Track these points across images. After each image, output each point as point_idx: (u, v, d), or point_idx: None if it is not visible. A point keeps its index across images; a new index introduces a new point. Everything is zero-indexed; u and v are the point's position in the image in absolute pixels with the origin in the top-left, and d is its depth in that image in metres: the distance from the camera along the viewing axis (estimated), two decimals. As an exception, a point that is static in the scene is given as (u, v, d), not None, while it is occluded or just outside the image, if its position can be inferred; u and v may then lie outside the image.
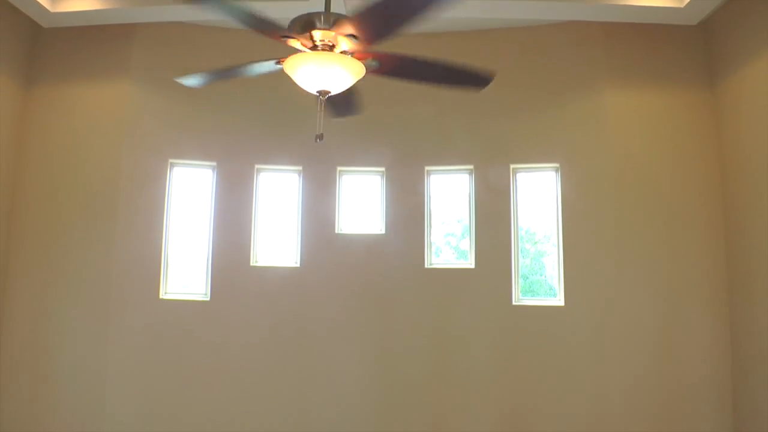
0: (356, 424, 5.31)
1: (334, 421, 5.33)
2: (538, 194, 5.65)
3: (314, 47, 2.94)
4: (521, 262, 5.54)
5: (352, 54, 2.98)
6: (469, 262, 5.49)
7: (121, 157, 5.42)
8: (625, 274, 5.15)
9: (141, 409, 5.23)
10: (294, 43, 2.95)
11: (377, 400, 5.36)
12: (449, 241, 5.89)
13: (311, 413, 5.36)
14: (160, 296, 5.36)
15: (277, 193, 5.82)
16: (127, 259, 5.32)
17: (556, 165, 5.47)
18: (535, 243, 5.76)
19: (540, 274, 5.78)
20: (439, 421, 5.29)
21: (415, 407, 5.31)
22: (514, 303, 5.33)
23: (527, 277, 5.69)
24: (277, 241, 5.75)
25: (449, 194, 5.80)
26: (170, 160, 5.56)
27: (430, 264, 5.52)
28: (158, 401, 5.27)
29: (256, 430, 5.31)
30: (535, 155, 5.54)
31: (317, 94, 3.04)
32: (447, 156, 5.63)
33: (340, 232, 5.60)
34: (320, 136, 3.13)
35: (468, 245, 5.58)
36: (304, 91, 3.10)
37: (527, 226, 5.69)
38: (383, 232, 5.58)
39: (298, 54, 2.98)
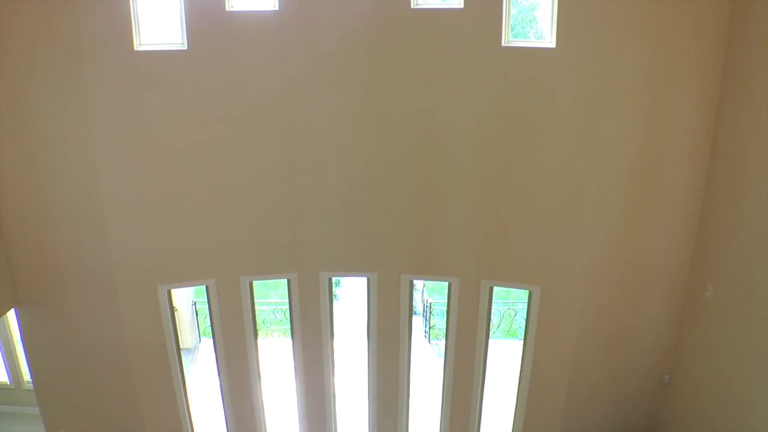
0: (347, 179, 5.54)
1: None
2: None
3: None
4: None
5: None
6: (458, 2, 5.17)
7: None
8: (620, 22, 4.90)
9: (134, 179, 5.35)
10: None
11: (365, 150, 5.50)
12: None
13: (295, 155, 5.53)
14: (135, 48, 5.12)
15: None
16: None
17: None
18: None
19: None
20: (425, 174, 5.50)
21: (402, 154, 5.47)
22: (503, 44, 5.15)
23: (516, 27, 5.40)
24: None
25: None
26: None
27: (416, 4, 5.21)
28: (146, 168, 5.36)
29: (241, 203, 5.54)
30: None
31: None
32: None
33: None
34: None
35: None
36: None
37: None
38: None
39: None
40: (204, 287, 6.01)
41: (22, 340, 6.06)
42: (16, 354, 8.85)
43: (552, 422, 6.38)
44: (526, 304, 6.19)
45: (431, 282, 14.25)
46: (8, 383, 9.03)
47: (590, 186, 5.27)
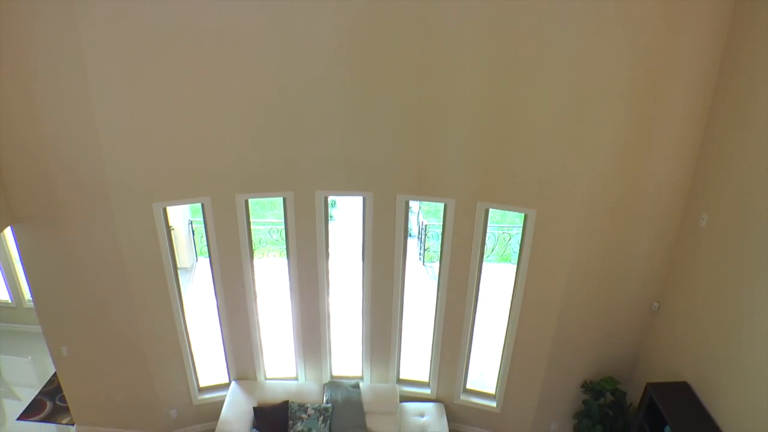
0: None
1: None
2: None
3: None
4: None
5: None
6: None
7: None
8: None
9: (126, 97, 5.22)
10: None
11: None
12: None
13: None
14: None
15: None
16: None
17: None
18: None
19: None
20: (422, 94, 5.39)
21: (400, 72, 5.36)
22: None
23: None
24: None
25: None
26: None
27: None
28: (139, 86, 5.23)
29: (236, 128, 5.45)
30: None
31: None
32: None
33: None
34: None
35: None
36: None
37: None
38: None
39: None
40: (199, 205, 6.00)
41: (20, 258, 6.09)
42: (15, 273, 8.97)
43: (541, 347, 6.51)
44: (520, 229, 6.20)
45: (427, 204, 14.40)
46: (9, 302, 9.20)
47: (590, 110, 5.16)
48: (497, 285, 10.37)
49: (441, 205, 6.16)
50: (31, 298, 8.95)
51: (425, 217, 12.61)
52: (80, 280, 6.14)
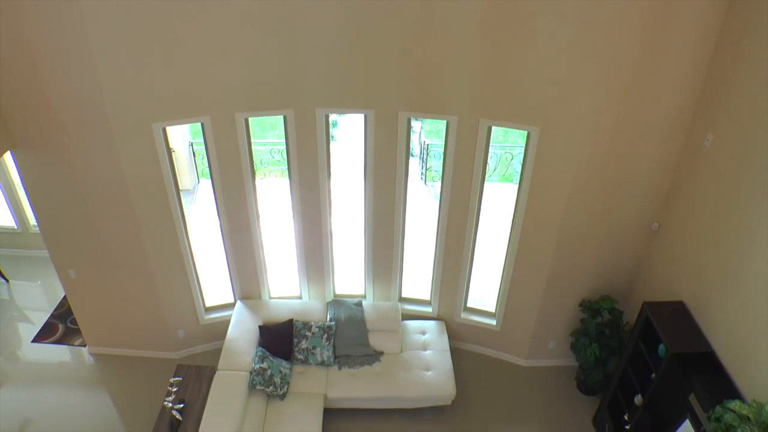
0: None
1: None
2: None
3: None
4: None
5: None
6: None
7: None
8: None
9: (122, 13, 5.07)
10: None
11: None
12: None
13: None
14: None
15: None
16: None
17: None
18: None
19: None
20: (424, 8, 5.24)
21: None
22: None
23: None
24: None
25: None
26: None
27: None
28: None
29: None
30: None
31: None
32: None
33: None
34: None
35: None
36: None
37: None
38: None
39: None
40: (200, 127, 5.97)
41: (22, 183, 6.11)
42: (19, 199, 9.02)
43: (541, 266, 6.60)
44: (523, 149, 6.18)
45: (429, 124, 14.30)
46: (15, 228, 9.29)
47: (599, 24, 5.03)
48: (499, 205, 10.43)
49: (443, 126, 6.12)
50: (36, 223, 9.03)
51: (427, 136, 12.51)
52: (84, 203, 6.18)
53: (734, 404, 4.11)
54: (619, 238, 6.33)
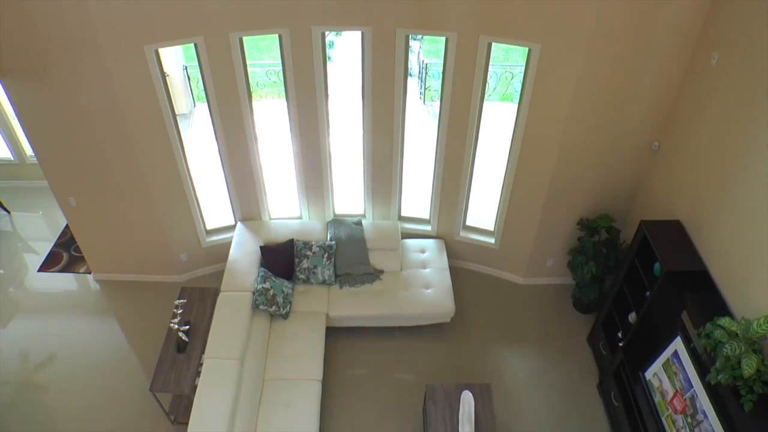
0: None
1: None
2: None
3: None
4: None
5: None
6: None
7: None
8: None
9: None
10: None
11: None
12: None
13: None
14: None
15: None
16: None
17: None
18: None
19: None
20: None
21: None
22: None
23: None
24: None
25: None
26: None
27: None
28: None
29: None
30: None
31: None
32: None
33: None
34: None
35: None
36: None
37: None
38: None
39: None
40: (193, 49, 5.84)
41: (15, 113, 6.02)
42: (14, 130, 8.96)
43: (540, 185, 6.62)
44: (523, 68, 6.08)
45: (428, 44, 14.04)
46: (12, 159, 9.25)
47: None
48: (498, 125, 10.36)
49: (442, 45, 5.99)
50: (33, 154, 8.98)
51: (426, 56, 12.27)
52: (79, 131, 6.12)
53: (724, 321, 4.22)
54: (618, 157, 6.32)
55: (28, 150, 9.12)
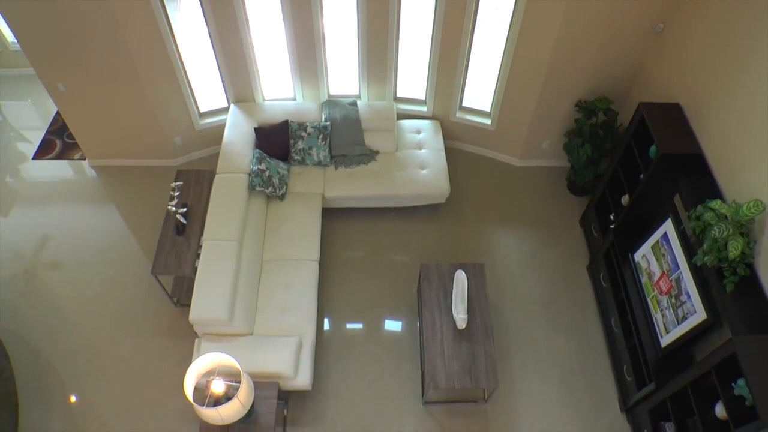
0: None
1: None
2: None
3: None
4: None
5: None
6: None
7: None
8: None
9: None
10: None
11: None
12: None
13: None
14: None
15: None
16: None
17: None
18: None
19: None
20: None
21: None
22: None
23: None
24: None
25: None
26: None
27: None
28: None
29: None
30: None
31: None
32: None
33: None
34: None
35: None
36: None
37: None
38: None
39: None
40: None
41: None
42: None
43: (539, 65, 6.44)
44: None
45: None
46: (-6, 49, 8.89)
47: None
48: (497, 4, 9.92)
49: None
50: (15, 40, 8.65)
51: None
52: (62, 15, 5.85)
53: (715, 203, 4.27)
54: (621, 38, 6.10)
55: (9, 36, 8.77)
